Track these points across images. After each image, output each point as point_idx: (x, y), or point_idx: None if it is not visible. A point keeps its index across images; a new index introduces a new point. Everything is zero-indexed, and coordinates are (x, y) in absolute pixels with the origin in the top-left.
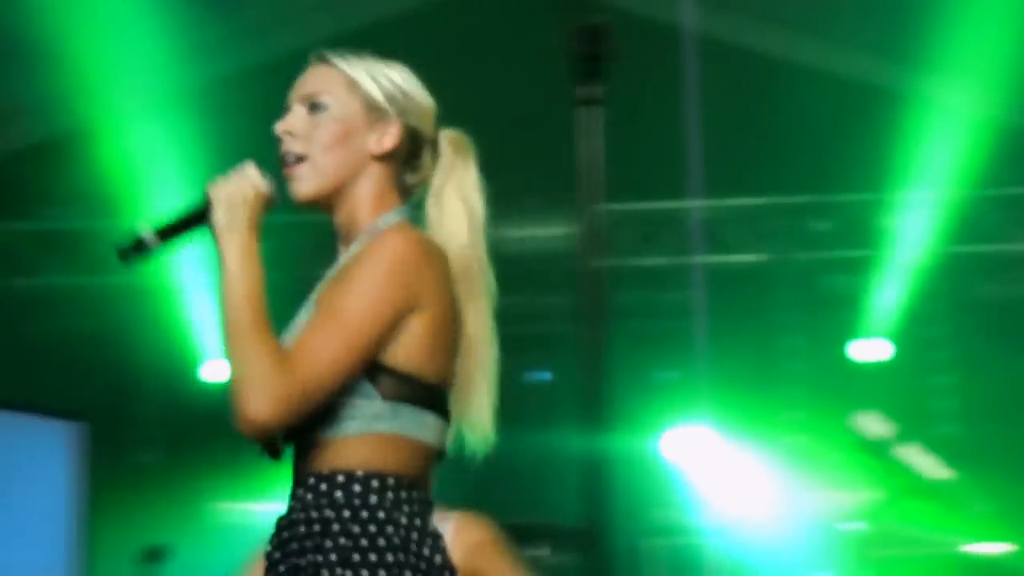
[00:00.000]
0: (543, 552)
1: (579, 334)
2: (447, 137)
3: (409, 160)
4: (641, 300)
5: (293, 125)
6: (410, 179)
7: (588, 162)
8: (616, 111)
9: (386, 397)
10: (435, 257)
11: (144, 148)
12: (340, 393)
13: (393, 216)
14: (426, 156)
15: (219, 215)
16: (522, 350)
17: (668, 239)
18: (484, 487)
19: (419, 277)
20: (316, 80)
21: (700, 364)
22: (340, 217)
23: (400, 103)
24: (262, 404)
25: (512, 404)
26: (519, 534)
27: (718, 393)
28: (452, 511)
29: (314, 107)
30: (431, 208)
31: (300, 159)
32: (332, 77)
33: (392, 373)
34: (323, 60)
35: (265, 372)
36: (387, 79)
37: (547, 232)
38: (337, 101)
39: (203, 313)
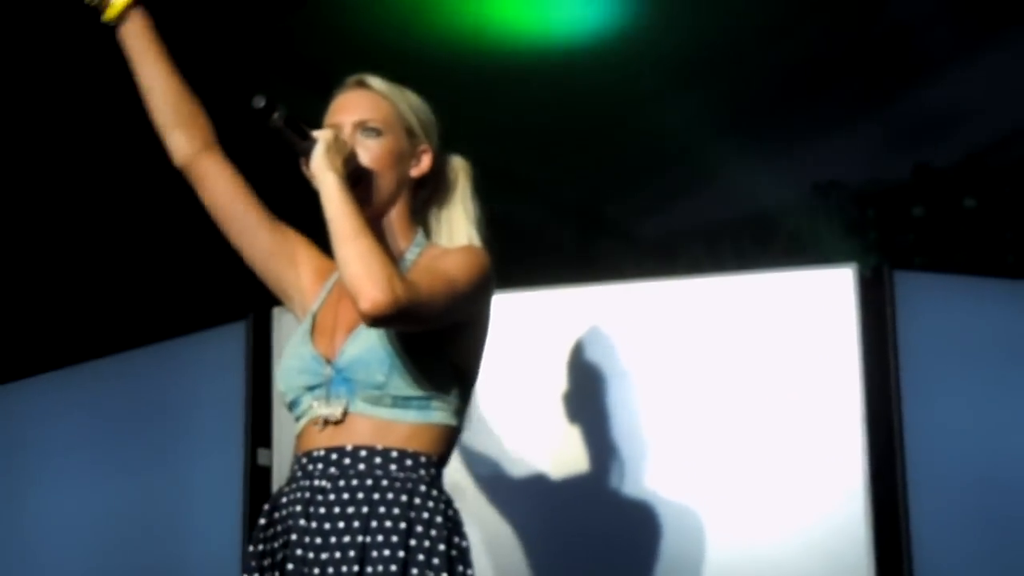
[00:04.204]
0: None
1: None
2: (458, 162)
3: (422, 181)
4: None
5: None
6: (420, 197)
7: None
8: None
9: (462, 398)
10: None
11: None
12: (430, 385)
13: (422, 236)
14: (433, 177)
15: (319, 153)
16: None
17: None
18: None
19: (489, 293)
20: (364, 106)
21: None
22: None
23: (427, 128)
24: (379, 292)
25: None
26: None
27: None
28: None
29: (367, 132)
30: (436, 227)
31: (359, 179)
32: (378, 104)
33: (466, 375)
34: (364, 86)
35: (381, 263)
36: (418, 106)
37: None
38: (388, 128)
39: None
